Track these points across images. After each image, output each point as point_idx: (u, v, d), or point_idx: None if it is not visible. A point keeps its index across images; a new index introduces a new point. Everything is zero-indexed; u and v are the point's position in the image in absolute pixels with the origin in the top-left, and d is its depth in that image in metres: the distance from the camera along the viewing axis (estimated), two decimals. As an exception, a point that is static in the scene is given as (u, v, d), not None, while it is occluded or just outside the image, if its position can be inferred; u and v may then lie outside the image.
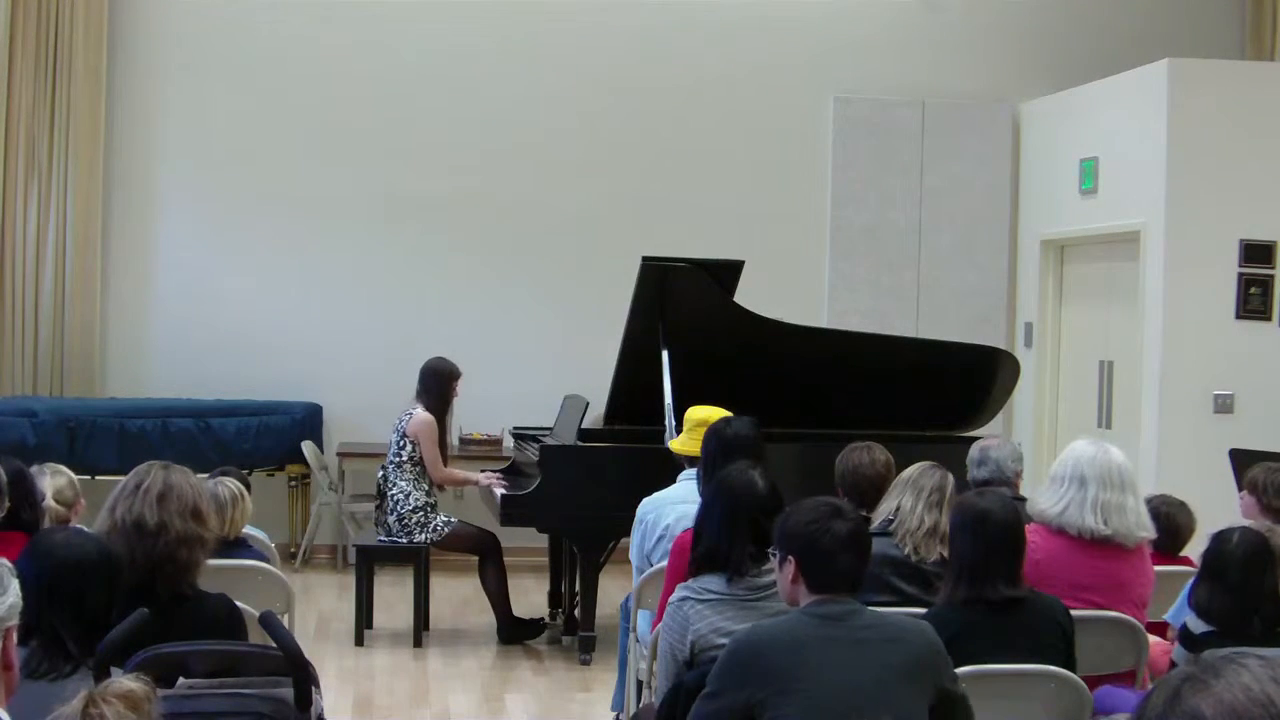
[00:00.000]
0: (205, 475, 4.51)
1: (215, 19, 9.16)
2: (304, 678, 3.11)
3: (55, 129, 8.86)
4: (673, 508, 4.83)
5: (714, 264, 6.77)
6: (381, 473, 7.05)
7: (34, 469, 4.79)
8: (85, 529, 3.54)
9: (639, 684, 4.68)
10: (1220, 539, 3.76)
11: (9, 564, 2.31)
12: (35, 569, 2.93)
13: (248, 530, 4.91)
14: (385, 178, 9.27)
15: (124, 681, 2.01)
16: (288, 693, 3.10)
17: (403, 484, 6.93)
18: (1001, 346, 8.16)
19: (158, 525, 3.43)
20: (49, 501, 4.39)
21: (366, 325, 9.26)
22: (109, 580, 3.06)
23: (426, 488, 6.99)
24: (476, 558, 7.11)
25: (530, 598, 7.78)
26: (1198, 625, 3.75)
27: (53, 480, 4.49)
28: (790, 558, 3.15)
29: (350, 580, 7.45)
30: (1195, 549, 4.18)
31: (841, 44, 9.64)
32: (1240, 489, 4.95)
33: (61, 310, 8.90)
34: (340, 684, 6.22)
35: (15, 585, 2.29)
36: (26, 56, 8.83)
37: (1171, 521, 4.71)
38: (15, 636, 2.29)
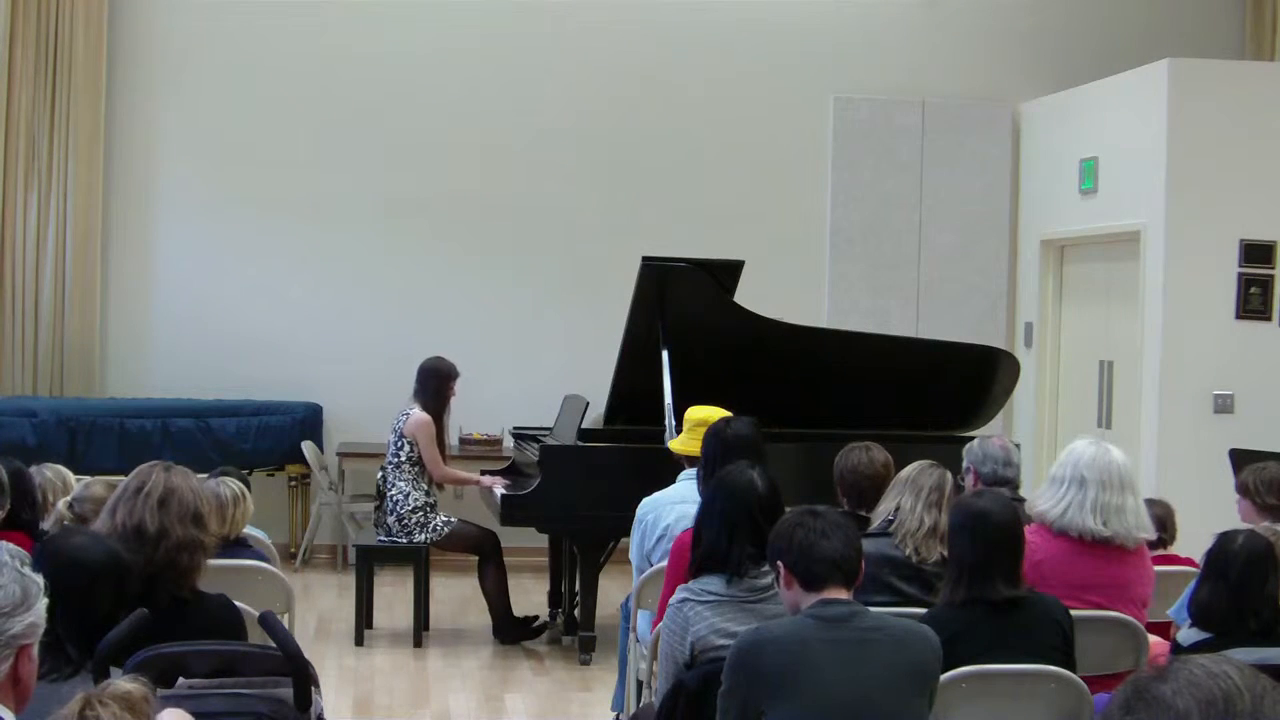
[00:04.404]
0: (205, 475, 4.50)
1: (215, 20, 9.16)
2: (304, 678, 3.11)
3: (55, 129, 8.86)
4: (673, 508, 4.83)
5: (714, 264, 6.77)
6: (381, 473, 7.05)
7: (31, 468, 4.79)
8: (96, 533, 3.52)
9: (639, 684, 4.68)
10: (1224, 539, 3.76)
11: (42, 581, 2.29)
12: (44, 572, 2.92)
13: (248, 530, 4.91)
14: (385, 178, 9.27)
15: (121, 683, 2.00)
16: (287, 693, 3.10)
17: (402, 484, 6.93)
18: (1001, 346, 8.15)
19: (158, 531, 3.41)
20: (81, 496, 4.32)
21: (366, 325, 9.25)
22: (117, 586, 3.05)
23: (426, 488, 6.99)
24: (476, 558, 7.12)
25: (530, 598, 7.77)
26: (1189, 637, 3.75)
27: (93, 489, 4.41)
28: (779, 563, 3.19)
29: (350, 580, 7.45)
30: (1196, 549, 4.17)
31: (841, 44, 9.64)
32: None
33: (61, 310, 8.89)
34: (340, 684, 6.22)
35: (42, 605, 2.26)
36: (26, 57, 8.82)
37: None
38: (34, 653, 2.27)
